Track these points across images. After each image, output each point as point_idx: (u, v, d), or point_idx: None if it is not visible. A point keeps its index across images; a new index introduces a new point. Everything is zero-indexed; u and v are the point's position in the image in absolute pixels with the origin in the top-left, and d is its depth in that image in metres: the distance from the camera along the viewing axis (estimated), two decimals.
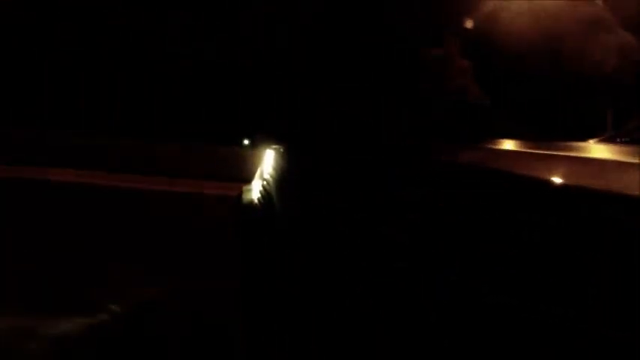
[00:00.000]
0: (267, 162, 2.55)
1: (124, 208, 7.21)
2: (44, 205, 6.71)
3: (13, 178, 8.58)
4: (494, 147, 2.98)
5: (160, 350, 2.56)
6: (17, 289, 3.25)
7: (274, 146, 2.51)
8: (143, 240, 4.86)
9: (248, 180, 3.04)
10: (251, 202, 2.46)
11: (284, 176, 2.10)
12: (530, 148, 2.88)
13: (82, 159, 11.96)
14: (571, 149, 2.21)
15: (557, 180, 0.67)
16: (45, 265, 3.85)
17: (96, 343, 2.60)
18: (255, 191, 2.58)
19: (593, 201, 0.61)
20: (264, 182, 2.41)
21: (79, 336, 2.64)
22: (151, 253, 4.26)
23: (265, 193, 2.25)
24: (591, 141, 3.01)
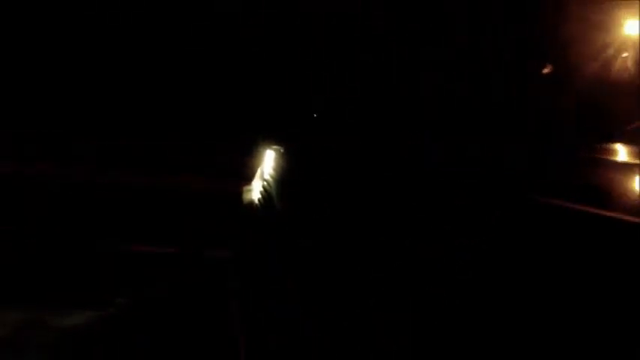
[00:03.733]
0: (267, 162, 2.55)
1: (124, 204, 7.22)
2: (51, 200, 6.72)
3: (18, 173, 8.57)
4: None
5: (164, 344, 2.57)
6: (26, 282, 3.28)
7: (274, 146, 2.51)
8: (144, 236, 4.88)
9: (248, 180, 3.05)
10: (251, 202, 2.46)
11: (284, 176, 2.10)
12: None
13: (82, 157, 11.97)
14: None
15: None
16: (52, 260, 3.87)
17: (105, 335, 2.63)
18: (255, 191, 2.58)
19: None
20: (264, 182, 2.41)
21: (89, 328, 2.67)
22: (152, 250, 4.27)
23: (265, 193, 2.25)
24: None
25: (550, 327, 0.58)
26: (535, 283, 0.63)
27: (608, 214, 0.60)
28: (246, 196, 2.65)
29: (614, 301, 0.54)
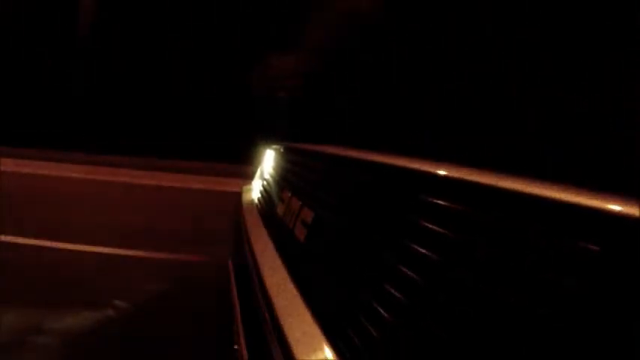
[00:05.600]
0: (267, 162, 2.54)
1: (124, 204, 7.25)
2: (48, 199, 6.74)
3: (16, 173, 8.61)
4: None
5: (162, 347, 2.58)
6: (23, 284, 3.28)
7: (274, 146, 2.50)
8: (143, 236, 4.88)
9: (248, 180, 3.05)
10: (251, 202, 2.46)
11: (284, 176, 2.10)
12: None
13: (81, 156, 12.04)
14: None
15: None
16: (49, 260, 3.87)
17: (102, 337, 2.64)
18: (255, 191, 2.57)
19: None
20: (264, 182, 2.40)
21: (86, 330, 2.68)
22: (151, 250, 4.28)
23: (265, 193, 2.24)
24: None
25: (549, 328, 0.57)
26: (534, 283, 0.63)
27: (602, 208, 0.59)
28: (246, 196, 2.65)
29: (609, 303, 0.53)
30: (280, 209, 1.85)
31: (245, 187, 2.95)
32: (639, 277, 0.50)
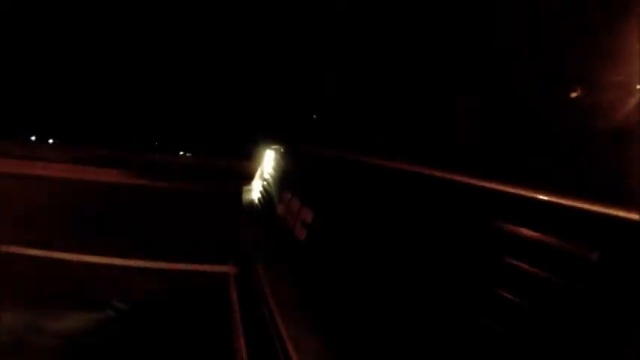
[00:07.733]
0: (267, 162, 2.54)
1: (124, 204, 7.25)
2: (48, 200, 6.74)
3: (15, 174, 8.60)
4: None
5: (162, 347, 2.57)
6: (24, 286, 3.28)
7: (274, 146, 2.49)
8: (143, 237, 4.88)
9: (248, 180, 3.05)
10: (251, 202, 2.45)
11: (284, 176, 2.09)
12: None
13: (84, 160, 12.05)
14: None
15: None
16: (50, 262, 3.87)
17: (103, 338, 2.64)
18: (255, 191, 2.57)
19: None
20: (264, 182, 2.40)
21: (87, 331, 2.67)
22: (152, 251, 4.27)
23: (265, 193, 2.24)
24: None
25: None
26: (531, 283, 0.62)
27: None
28: (246, 196, 2.64)
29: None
30: (280, 209, 1.85)
31: (245, 188, 2.94)
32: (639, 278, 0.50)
